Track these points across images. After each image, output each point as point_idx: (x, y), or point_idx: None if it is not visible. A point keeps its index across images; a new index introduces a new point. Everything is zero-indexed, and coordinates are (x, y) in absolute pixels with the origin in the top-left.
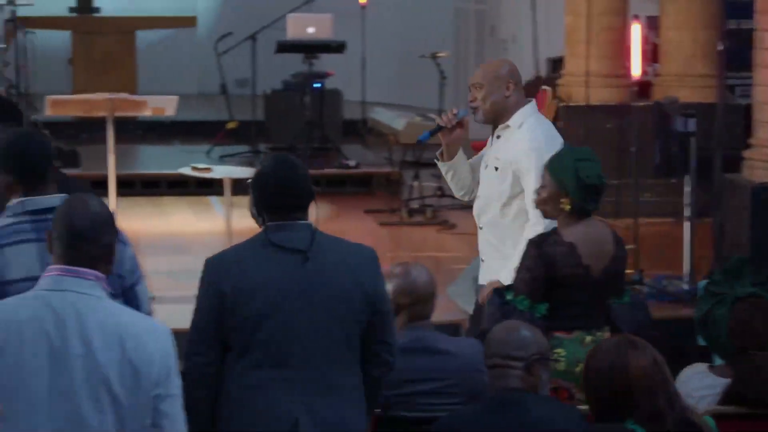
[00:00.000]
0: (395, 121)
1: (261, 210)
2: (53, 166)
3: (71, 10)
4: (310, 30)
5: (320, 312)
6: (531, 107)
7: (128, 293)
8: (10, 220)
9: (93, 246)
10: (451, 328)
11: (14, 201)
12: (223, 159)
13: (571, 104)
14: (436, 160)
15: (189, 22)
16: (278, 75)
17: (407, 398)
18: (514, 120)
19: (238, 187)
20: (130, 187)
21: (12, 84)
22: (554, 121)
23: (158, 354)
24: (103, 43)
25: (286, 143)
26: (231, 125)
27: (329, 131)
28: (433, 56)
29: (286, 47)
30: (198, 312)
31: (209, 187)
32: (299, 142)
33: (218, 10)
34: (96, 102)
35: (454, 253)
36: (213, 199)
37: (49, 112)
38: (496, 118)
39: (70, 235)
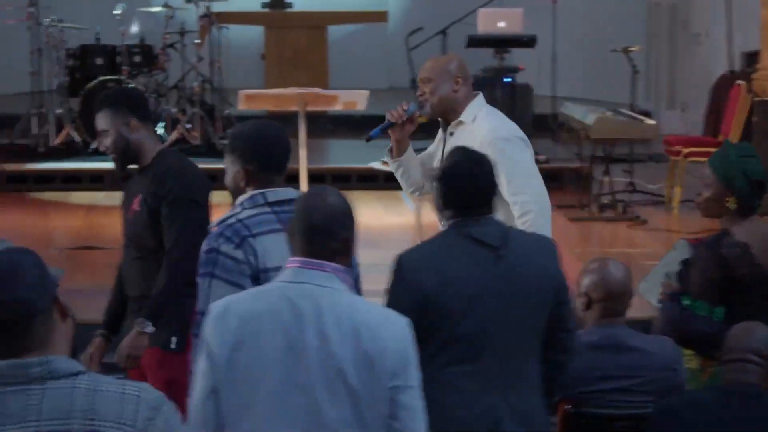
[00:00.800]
0: (586, 116)
1: (449, 205)
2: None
3: (264, 5)
4: (501, 24)
5: (514, 305)
6: (480, 100)
7: (357, 282)
8: (254, 211)
9: (331, 239)
10: (643, 325)
11: (251, 192)
12: None
13: (765, 99)
14: (385, 157)
15: (380, 17)
16: (468, 69)
17: (598, 395)
18: (466, 115)
19: None
20: (321, 181)
21: (206, 79)
22: (748, 117)
23: (393, 345)
24: (294, 38)
25: None
26: (421, 119)
27: (519, 126)
28: (625, 50)
29: (476, 42)
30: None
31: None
32: None
33: (409, 5)
34: (288, 96)
35: (645, 249)
36: (403, 194)
37: (241, 106)
38: (445, 112)
39: (309, 230)
